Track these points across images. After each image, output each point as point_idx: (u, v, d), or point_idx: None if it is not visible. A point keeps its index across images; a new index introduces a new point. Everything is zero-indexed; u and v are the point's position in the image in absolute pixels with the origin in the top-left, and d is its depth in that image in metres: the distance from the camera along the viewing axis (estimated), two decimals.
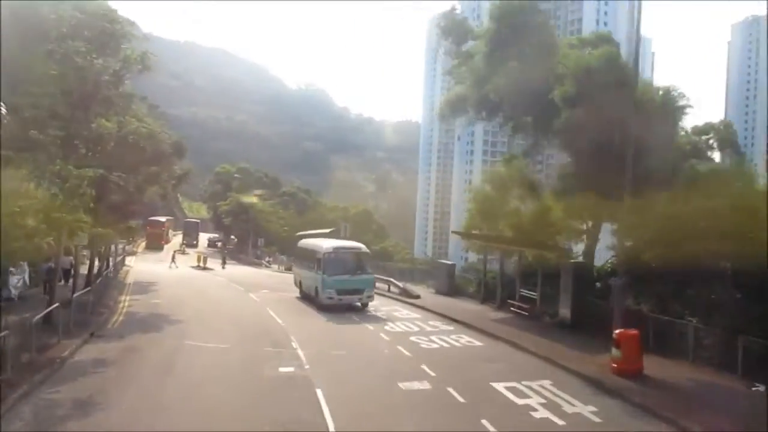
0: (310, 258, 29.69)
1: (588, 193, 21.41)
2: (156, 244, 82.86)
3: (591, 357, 16.96)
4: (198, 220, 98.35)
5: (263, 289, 34.58)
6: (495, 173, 30.62)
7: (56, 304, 19.19)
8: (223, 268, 57.72)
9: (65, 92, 20.60)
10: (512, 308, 25.46)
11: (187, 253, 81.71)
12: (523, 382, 14.41)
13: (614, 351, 15.47)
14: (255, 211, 76.79)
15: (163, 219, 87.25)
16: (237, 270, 55.47)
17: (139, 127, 23.71)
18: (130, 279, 41.10)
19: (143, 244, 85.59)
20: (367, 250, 29.52)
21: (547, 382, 14.55)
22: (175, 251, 61.24)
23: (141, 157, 25.96)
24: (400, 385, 14.19)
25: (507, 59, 24.06)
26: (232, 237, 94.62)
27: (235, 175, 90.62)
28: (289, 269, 53.91)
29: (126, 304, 27.79)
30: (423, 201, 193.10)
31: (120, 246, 76.83)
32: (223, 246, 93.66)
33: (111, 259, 51.24)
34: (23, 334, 15.68)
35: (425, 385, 14.27)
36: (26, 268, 27.45)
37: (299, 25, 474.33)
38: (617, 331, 15.67)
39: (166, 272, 49.34)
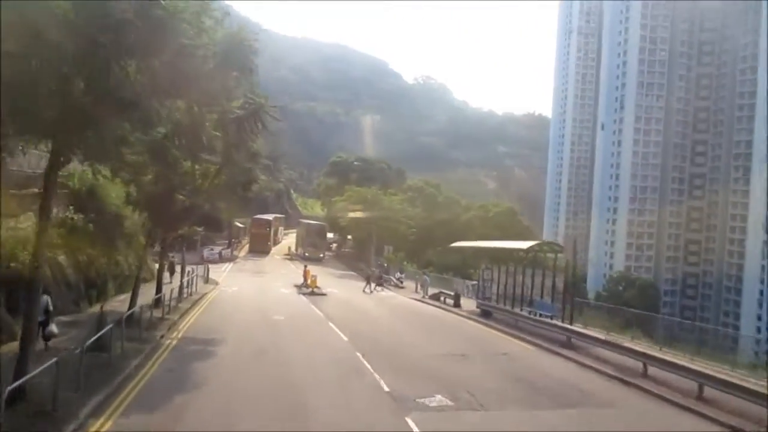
0: None
1: None
2: (261, 246, 66.07)
3: None
4: (324, 224, 72.11)
5: (441, 388, 14.15)
6: None
7: None
8: (371, 291, 38.59)
9: None
10: None
11: (295, 258, 64.32)
12: None
13: None
14: (380, 208, 57.47)
15: (269, 217, 70.42)
16: (360, 298, 35.70)
17: None
18: (185, 323, 22.54)
19: (247, 246, 69.33)
20: None
21: None
22: (306, 269, 39.65)
23: None
24: None
25: None
26: (349, 237, 76.33)
27: (355, 163, 71.98)
28: (437, 298, 33.71)
29: None
30: (552, 199, 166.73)
31: (214, 250, 60.93)
32: (339, 250, 75.40)
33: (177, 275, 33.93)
34: None
35: None
36: None
37: (419, 18, 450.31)
38: None
39: (256, 302, 30.70)
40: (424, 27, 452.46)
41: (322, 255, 63.95)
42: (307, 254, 61.52)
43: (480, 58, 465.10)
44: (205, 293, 32.89)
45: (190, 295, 30.50)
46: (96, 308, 24.51)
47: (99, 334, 15.36)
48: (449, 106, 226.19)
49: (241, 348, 18.34)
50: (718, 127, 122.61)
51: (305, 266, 40.08)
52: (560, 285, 24.84)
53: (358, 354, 17.62)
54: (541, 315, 24.32)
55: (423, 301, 34.17)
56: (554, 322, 21.97)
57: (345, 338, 20.36)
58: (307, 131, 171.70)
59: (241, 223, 72.26)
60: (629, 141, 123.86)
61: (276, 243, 73.68)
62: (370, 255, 57.62)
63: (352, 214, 62.37)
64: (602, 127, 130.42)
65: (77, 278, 23.87)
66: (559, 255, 25.74)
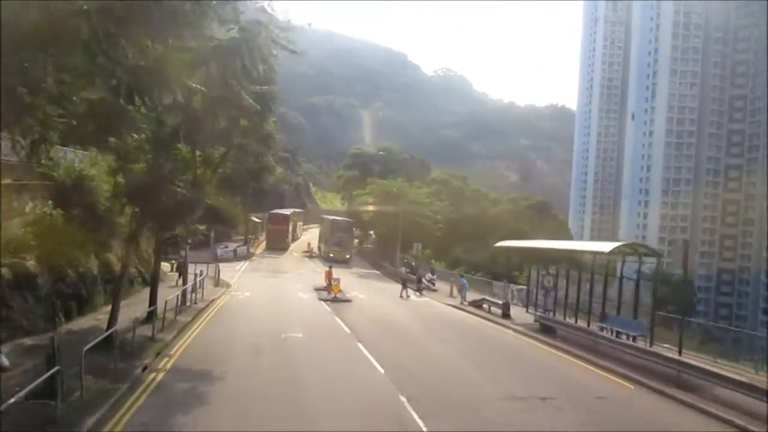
0: None
1: None
2: (279, 243, 61.67)
3: None
4: (351, 219, 61.75)
5: None
6: None
7: None
8: (408, 296, 33.61)
9: None
10: None
11: (315, 255, 59.77)
12: None
13: None
14: (406, 202, 52.50)
15: (287, 212, 65.90)
16: (389, 306, 30.76)
17: None
18: (180, 345, 17.84)
19: (263, 243, 64.92)
20: None
21: None
22: (328, 271, 33.43)
23: None
24: None
25: None
26: (371, 233, 71.56)
27: (379, 153, 67.03)
28: (479, 306, 28.78)
29: None
30: (578, 192, 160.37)
31: (229, 247, 56.45)
32: (360, 246, 70.38)
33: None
34: None
35: None
36: None
37: (438, 10, 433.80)
38: None
39: (270, 311, 25.95)
40: (443, 19, 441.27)
41: (348, 255, 55.75)
42: (331, 254, 53.70)
43: (500, 49, 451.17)
44: (213, 299, 28.30)
45: (194, 303, 25.94)
46: (77, 324, 20.15)
47: (42, 378, 10.79)
48: (469, 98, 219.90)
49: (244, 386, 13.60)
50: (756, 116, 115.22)
51: (329, 267, 35.10)
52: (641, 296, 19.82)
53: (403, 399, 12.76)
54: (618, 334, 19.36)
55: (463, 309, 29.17)
56: (644, 346, 16.93)
57: (381, 369, 15.52)
58: (325, 124, 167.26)
59: (257, 218, 67.91)
60: (661, 131, 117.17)
61: (295, 239, 69.24)
62: (395, 252, 52.80)
63: (374, 208, 57.62)
64: (632, 117, 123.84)
65: (51, 288, 19.37)
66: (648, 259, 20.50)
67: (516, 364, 17.54)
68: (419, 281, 36.56)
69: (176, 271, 35.52)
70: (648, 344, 17.84)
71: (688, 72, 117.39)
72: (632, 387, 14.78)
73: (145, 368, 14.77)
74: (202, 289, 29.15)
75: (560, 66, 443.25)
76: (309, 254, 59.79)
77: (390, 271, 49.49)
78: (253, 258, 54.36)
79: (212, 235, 52.08)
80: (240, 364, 15.67)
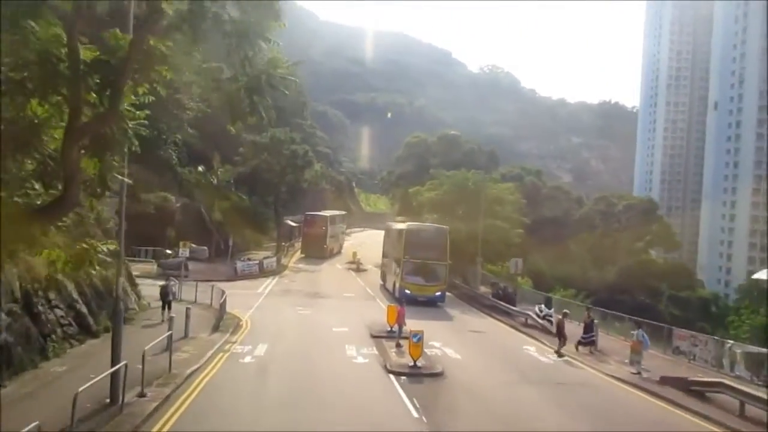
0: None
1: None
2: (316, 250, 48.39)
3: None
4: (444, 227, 33.18)
5: None
6: None
7: None
8: (560, 354, 19.76)
9: None
10: None
11: (364, 269, 45.86)
12: None
13: None
14: (489, 200, 38.03)
15: (326, 214, 52.22)
16: (525, 392, 16.29)
17: None
18: None
19: (299, 251, 51.56)
20: None
21: None
22: (397, 310, 19.91)
23: None
24: None
25: None
26: None
27: (452, 132, 52.81)
28: (699, 394, 13.85)
29: None
30: (642, 193, 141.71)
31: (252, 260, 42.39)
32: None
33: None
34: None
35: None
36: None
37: (482, 6, 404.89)
38: None
39: (289, 412, 12.12)
40: (488, 15, 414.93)
41: (439, 293, 30.48)
42: (408, 291, 29.36)
43: (548, 44, 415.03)
44: (191, 373, 14.53)
45: (143, 391, 12.28)
46: None
47: None
48: (517, 95, 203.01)
49: None
50: None
51: (400, 305, 20.62)
52: None
53: None
54: None
55: (665, 398, 14.35)
56: None
57: None
58: (367, 123, 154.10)
59: (294, 221, 54.75)
60: (752, 121, 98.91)
61: (338, 244, 55.50)
62: (470, 267, 38.41)
63: (438, 209, 43.16)
64: (715, 107, 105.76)
65: None
66: None
67: None
68: (588, 329, 20.85)
69: (161, 299, 22.34)
70: None
71: None
72: None
73: None
74: (175, 344, 15.58)
75: (614, 60, 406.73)
76: (355, 266, 45.96)
77: (469, 295, 35.15)
78: (285, 272, 40.75)
79: (231, 243, 38.99)
80: None
